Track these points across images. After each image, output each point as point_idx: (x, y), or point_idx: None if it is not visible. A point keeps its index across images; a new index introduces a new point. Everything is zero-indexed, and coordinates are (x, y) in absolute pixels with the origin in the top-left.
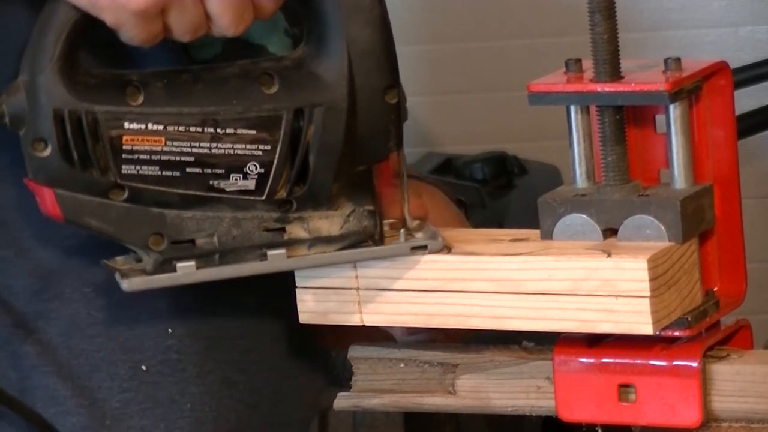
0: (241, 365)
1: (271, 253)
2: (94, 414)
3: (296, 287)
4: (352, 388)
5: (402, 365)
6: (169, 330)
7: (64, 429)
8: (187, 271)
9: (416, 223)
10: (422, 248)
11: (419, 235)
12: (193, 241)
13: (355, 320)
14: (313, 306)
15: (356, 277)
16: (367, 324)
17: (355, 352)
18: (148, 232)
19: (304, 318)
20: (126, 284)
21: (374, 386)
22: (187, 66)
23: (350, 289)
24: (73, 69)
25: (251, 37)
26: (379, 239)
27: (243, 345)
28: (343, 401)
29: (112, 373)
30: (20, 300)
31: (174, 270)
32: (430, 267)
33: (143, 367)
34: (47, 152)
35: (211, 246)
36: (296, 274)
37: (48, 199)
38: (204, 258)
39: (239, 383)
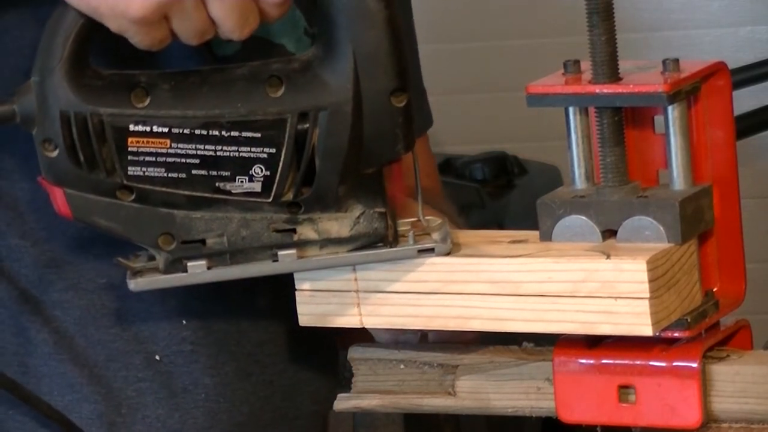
0: (255, 357)
1: (281, 253)
2: (111, 402)
3: (295, 290)
4: (352, 390)
5: (402, 366)
6: (184, 321)
7: (81, 416)
8: (197, 271)
9: (436, 222)
10: (429, 251)
11: (436, 235)
12: (203, 241)
13: (354, 322)
14: (312, 308)
15: (355, 279)
16: (366, 326)
17: (355, 353)
18: (157, 231)
19: (303, 320)
20: (133, 284)
21: (374, 387)
22: (197, 67)
23: (349, 291)
24: (80, 71)
25: (272, 35)
26: (393, 241)
27: (256, 338)
28: (342, 402)
29: (127, 362)
30: (37, 289)
31: (185, 269)
32: (430, 269)
33: (157, 357)
34: (55, 153)
35: (221, 246)
36: (295, 276)
37: (58, 198)
38: (214, 258)
39: (253, 375)
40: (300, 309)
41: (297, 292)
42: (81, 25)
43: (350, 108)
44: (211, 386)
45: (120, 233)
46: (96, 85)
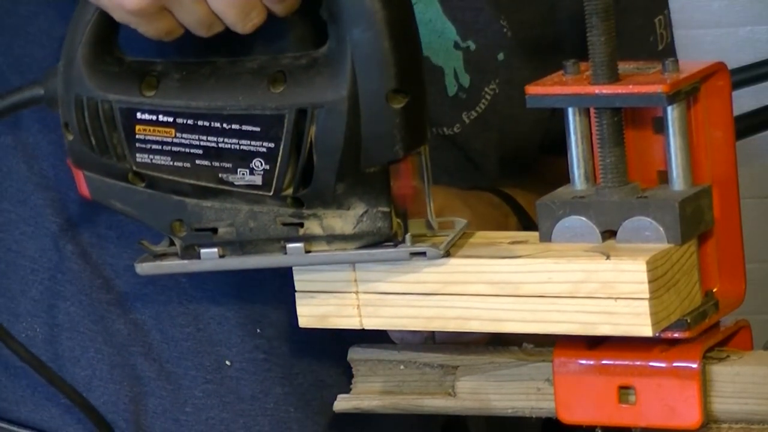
0: (337, 368)
1: (290, 246)
2: (177, 400)
3: (295, 291)
4: (352, 390)
5: (402, 367)
6: (258, 330)
7: (146, 410)
8: (209, 258)
9: (461, 224)
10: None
11: (451, 236)
12: (215, 230)
13: (354, 324)
14: (312, 309)
15: (355, 280)
16: (366, 328)
17: (355, 354)
18: (169, 217)
19: (303, 322)
20: (138, 268)
21: (374, 388)
22: (212, 58)
23: (349, 292)
24: (99, 57)
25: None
26: (402, 241)
27: (339, 349)
28: (342, 403)
29: (197, 363)
30: (120, 279)
31: (198, 256)
32: (429, 270)
33: (227, 362)
34: (72, 136)
35: (232, 236)
36: (295, 278)
37: (79, 179)
38: (226, 247)
39: (333, 386)
40: (300, 310)
41: (297, 293)
42: (99, 13)
43: (346, 107)
44: (282, 396)
45: (135, 217)
46: (112, 72)
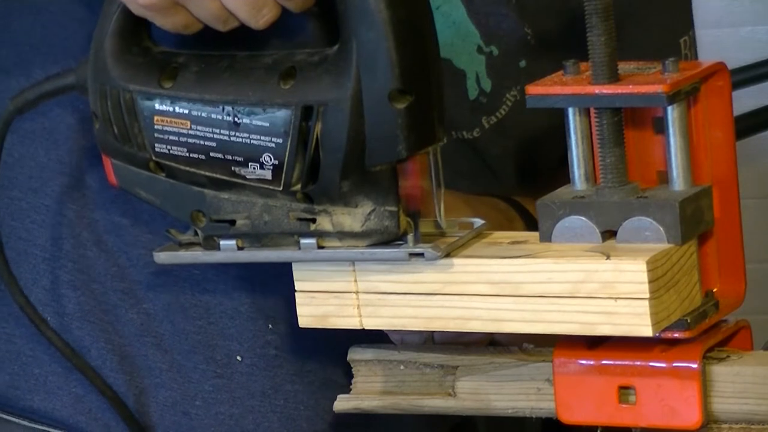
0: (348, 368)
1: (303, 242)
2: (187, 393)
3: (295, 291)
4: (352, 391)
5: (402, 367)
6: (270, 326)
7: (156, 401)
8: (228, 250)
9: (478, 224)
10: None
11: (458, 237)
12: (233, 222)
13: (354, 324)
14: (312, 309)
15: (355, 280)
16: (366, 327)
17: (354, 354)
18: (190, 208)
19: (303, 322)
20: (156, 257)
21: (374, 388)
22: (233, 52)
23: (349, 292)
24: (125, 47)
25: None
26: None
27: (347, 347)
28: (343, 403)
29: (208, 357)
30: (134, 268)
31: (218, 247)
32: (429, 270)
33: (238, 358)
34: (97, 125)
35: (248, 228)
36: (295, 277)
37: (108, 167)
38: (244, 239)
39: (344, 386)
40: (300, 310)
41: (297, 293)
42: (123, 5)
43: (349, 106)
44: (292, 393)
45: (158, 206)
46: (136, 63)
